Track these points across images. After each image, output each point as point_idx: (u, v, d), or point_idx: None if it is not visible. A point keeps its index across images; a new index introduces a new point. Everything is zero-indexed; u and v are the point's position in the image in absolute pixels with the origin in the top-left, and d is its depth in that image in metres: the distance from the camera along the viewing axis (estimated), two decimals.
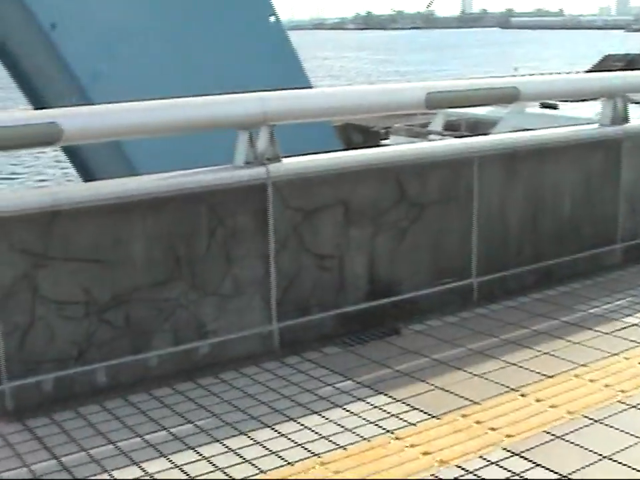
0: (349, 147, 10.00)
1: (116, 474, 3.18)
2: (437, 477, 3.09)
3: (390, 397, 3.83)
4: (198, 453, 3.34)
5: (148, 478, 3.15)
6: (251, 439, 3.44)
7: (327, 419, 3.62)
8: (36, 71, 8.65)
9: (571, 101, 12.66)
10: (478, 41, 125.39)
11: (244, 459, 3.28)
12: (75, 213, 3.77)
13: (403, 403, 3.76)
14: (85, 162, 8.71)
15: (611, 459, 3.16)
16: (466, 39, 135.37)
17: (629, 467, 3.09)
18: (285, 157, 4.41)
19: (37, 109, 8.36)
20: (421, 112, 6.45)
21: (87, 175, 8.72)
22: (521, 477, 3.07)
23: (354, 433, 3.48)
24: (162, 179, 4.10)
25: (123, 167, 7.81)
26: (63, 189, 4.27)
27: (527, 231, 5.35)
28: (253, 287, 4.32)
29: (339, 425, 3.56)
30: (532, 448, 3.27)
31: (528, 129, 6.29)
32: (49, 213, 3.70)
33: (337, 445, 3.37)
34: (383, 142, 13.11)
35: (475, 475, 3.09)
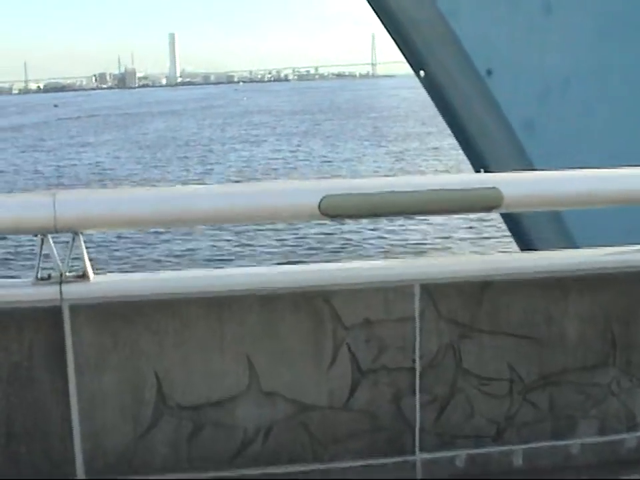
0: None
1: None
2: None
3: None
4: None
5: None
6: None
7: None
8: (471, 118, 8.97)
9: None
10: None
11: None
12: (507, 285, 3.82)
13: None
14: (522, 229, 8.72)
15: None
16: None
17: None
18: None
19: (472, 161, 8.68)
20: None
21: (524, 244, 8.73)
22: None
23: None
24: (604, 254, 4.01)
25: (561, 238, 7.72)
26: (496, 258, 4.36)
27: None
28: None
29: None
30: None
31: None
32: (480, 283, 3.80)
33: None
34: None
35: None
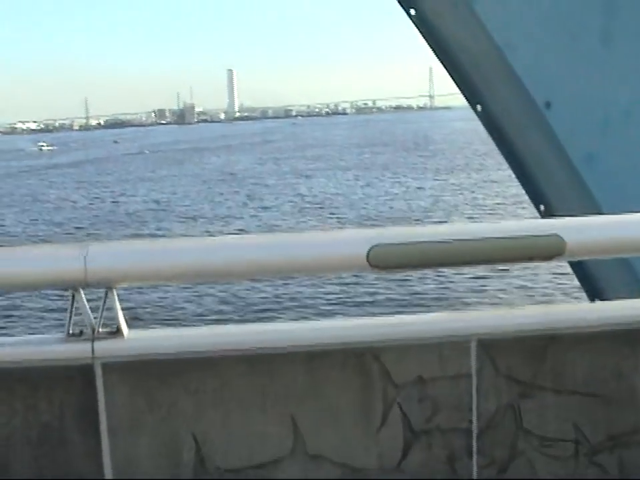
0: None
1: None
2: None
3: None
4: None
5: None
6: None
7: None
8: (529, 151, 8.73)
9: None
10: None
11: None
12: (571, 338, 3.55)
13: None
14: (589, 276, 8.32)
15: None
16: None
17: None
18: None
19: (531, 196, 8.39)
20: None
21: (592, 292, 8.30)
22: None
23: None
24: None
25: (632, 285, 7.35)
26: (559, 309, 4.07)
27: None
28: None
29: None
30: None
31: None
32: (542, 337, 3.54)
33: None
34: None
35: None
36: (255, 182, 59.52)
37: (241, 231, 35.01)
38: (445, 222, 30.00)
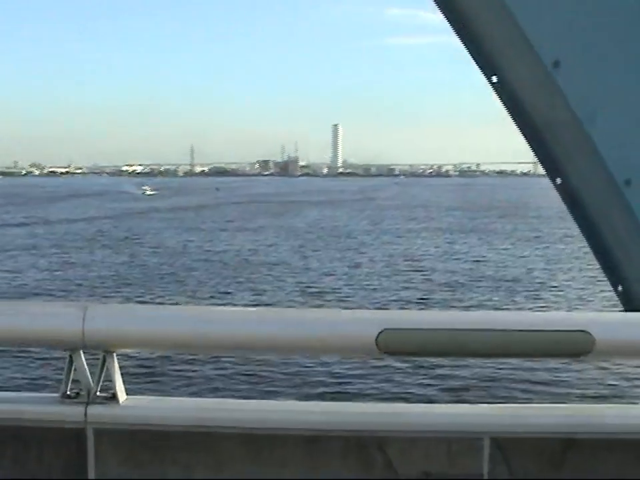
0: None
1: None
2: None
3: None
4: None
5: None
6: None
7: None
8: (607, 230, 8.38)
9: None
10: None
11: None
12: (594, 443, 3.30)
13: None
14: None
15: None
16: None
17: None
18: None
19: (609, 276, 8.03)
20: None
21: None
22: None
23: None
24: None
25: None
26: (582, 410, 3.78)
27: None
28: None
29: None
30: None
31: None
32: (562, 440, 3.28)
33: None
34: None
35: None
36: (350, 239, 59.65)
37: (321, 289, 35.05)
38: (466, 307, 28.84)
